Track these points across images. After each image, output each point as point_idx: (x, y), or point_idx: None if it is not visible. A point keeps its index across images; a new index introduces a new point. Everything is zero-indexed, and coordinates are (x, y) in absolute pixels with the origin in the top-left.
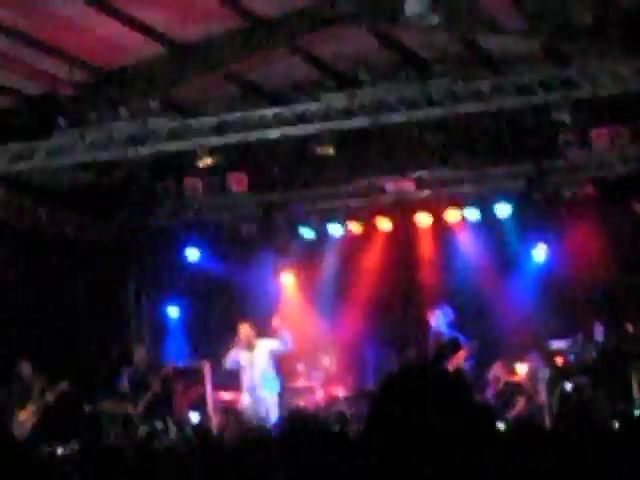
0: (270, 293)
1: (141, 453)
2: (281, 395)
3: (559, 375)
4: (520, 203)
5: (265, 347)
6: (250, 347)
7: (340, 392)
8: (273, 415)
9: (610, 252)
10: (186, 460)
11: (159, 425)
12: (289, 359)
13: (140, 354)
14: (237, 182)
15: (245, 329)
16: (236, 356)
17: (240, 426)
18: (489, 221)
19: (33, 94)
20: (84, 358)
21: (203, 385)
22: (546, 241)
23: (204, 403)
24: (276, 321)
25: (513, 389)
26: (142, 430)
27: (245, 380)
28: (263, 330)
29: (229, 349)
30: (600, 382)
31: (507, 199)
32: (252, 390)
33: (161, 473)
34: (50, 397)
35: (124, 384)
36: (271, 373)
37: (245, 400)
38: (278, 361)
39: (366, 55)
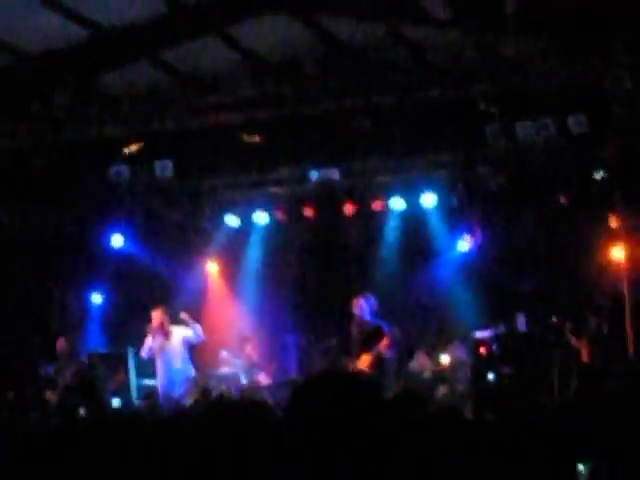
0: (194, 281)
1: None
2: (195, 381)
3: (482, 365)
4: (445, 193)
5: (179, 333)
6: (164, 333)
7: (263, 380)
8: (188, 400)
9: (536, 242)
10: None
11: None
12: (213, 346)
13: (60, 344)
14: (163, 169)
15: (157, 315)
16: (151, 343)
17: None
18: (414, 210)
19: None
20: (7, 348)
21: (126, 372)
22: (470, 232)
23: (127, 389)
24: (183, 315)
25: (436, 378)
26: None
27: (159, 365)
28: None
29: (146, 336)
30: (522, 372)
31: (432, 189)
32: (167, 375)
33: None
34: None
35: (45, 374)
36: (185, 359)
37: (161, 385)
38: (194, 348)
39: (296, 44)
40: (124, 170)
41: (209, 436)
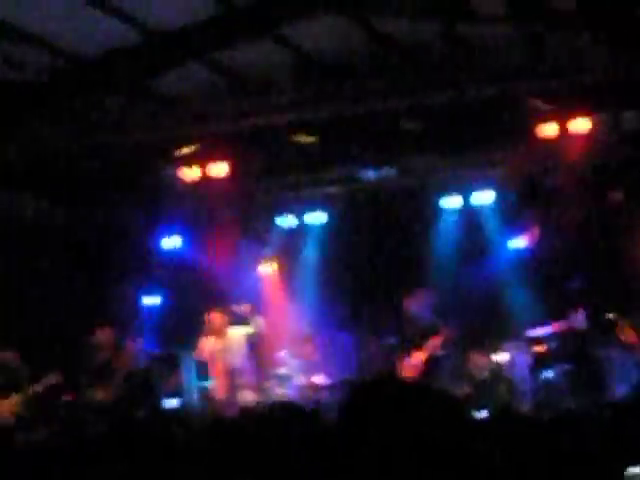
0: (251, 283)
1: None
2: (259, 382)
3: (539, 363)
4: (501, 191)
5: (238, 333)
6: (222, 335)
7: (321, 380)
8: (251, 402)
9: (590, 239)
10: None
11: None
12: (270, 347)
13: (105, 333)
14: (218, 171)
15: (216, 317)
16: (207, 345)
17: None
18: (470, 208)
19: (8, 80)
20: (62, 347)
21: (179, 373)
22: (526, 229)
23: (183, 391)
24: (246, 307)
25: (493, 378)
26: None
27: (219, 368)
28: (237, 319)
29: (200, 338)
30: (580, 370)
31: (489, 186)
32: (228, 377)
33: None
34: (38, 388)
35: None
36: (245, 361)
37: (221, 387)
38: (257, 348)
39: (348, 44)
40: (179, 172)
41: (262, 438)
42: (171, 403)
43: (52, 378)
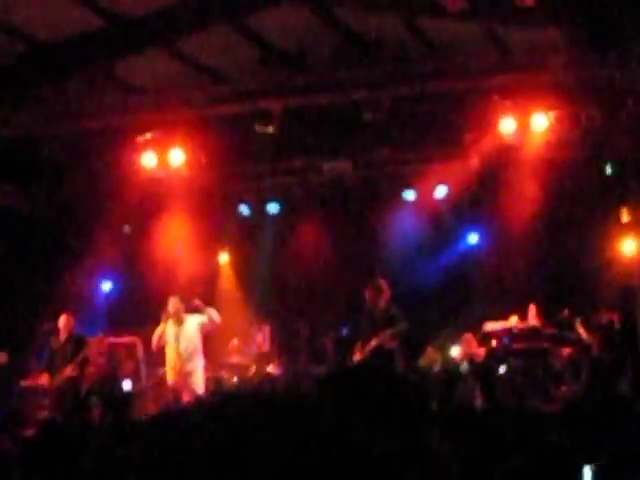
0: (206, 270)
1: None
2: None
3: (493, 357)
4: (457, 184)
5: (194, 321)
6: (179, 321)
7: (273, 370)
8: (199, 390)
9: (545, 235)
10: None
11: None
12: (224, 335)
13: (65, 321)
14: (176, 158)
15: (174, 302)
16: (164, 331)
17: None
18: (426, 201)
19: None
20: (15, 331)
21: (136, 360)
22: (481, 223)
23: (138, 378)
24: (197, 301)
25: (445, 372)
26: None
27: (170, 354)
28: (192, 308)
29: (158, 323)
30: (533, 366)
31: (445, 180)
32: (177, 364)
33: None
34: None
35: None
36: (197, 348)
37: (170, 375)
38: (209, 336)
39: (309, 35)
40: (139, 158)
41: (221, 429)
42: (127, 386)
43: (1, 357)
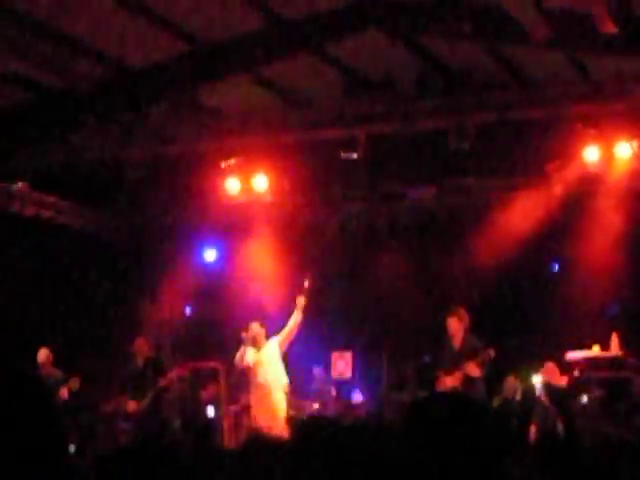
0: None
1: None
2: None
3: (575, 386)
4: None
5: (273, 345)
6: (258, 346)
7: (356, 397)
8: (281, 417)
9: (628, 263)
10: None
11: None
12: (305, 361)
13: (139, 343)
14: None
15: (254, 327)
16: (246, 355)
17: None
18: (508, 229)
19: (55, 89)
20: (95, 355)
21: (219, 385)
22: (563, 252)
23: (219, 403)
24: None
25: (526, 401)
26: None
27: (253, 381)
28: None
29: (239, 347)
30: (615, 396)
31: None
32: (260, 391)
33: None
34: (64, 393)
35: (127, 380)
36: (280, 371)
37: (252, 402)
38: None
39: (394, 63)
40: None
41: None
42: (210, 412)
43: (73, 382)
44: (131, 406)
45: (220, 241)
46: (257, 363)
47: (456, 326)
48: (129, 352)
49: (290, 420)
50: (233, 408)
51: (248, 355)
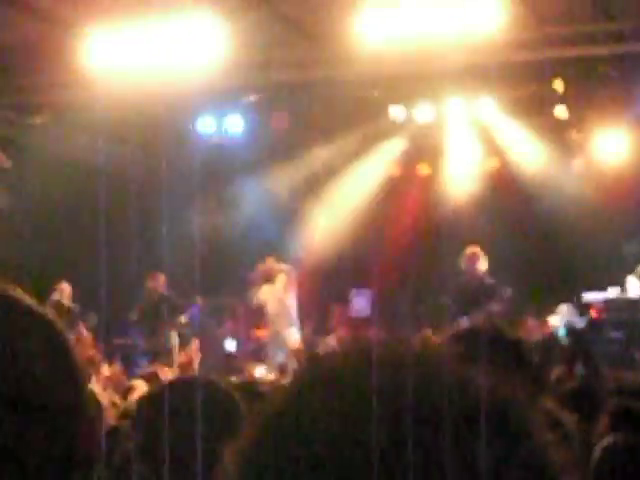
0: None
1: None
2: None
3: (592, 327)
4: None
5: (285, 283)
6: (271, 281)
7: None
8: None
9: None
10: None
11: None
12: (323, 299)
13: (158, 279)
14: (278, 121)
15: (268, 262)
16: (262, 293)
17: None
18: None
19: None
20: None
21: (237, 321)
22: None
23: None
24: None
25: (545, 341)
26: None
27: (270, 315)
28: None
29: (254, 284)
30: (633, 339)
31: None
32: (276, 325)
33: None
34: (81, 329)
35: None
36: (288, 309)
37: (270, 337)
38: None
39: None
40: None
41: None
42: (230, 346)
43: (91, 318)
44: (146, 343)
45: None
46: (271, 298)
47: (473, 266)
48: (145, 287)
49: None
50: (250, 345)
51: (262, 292)
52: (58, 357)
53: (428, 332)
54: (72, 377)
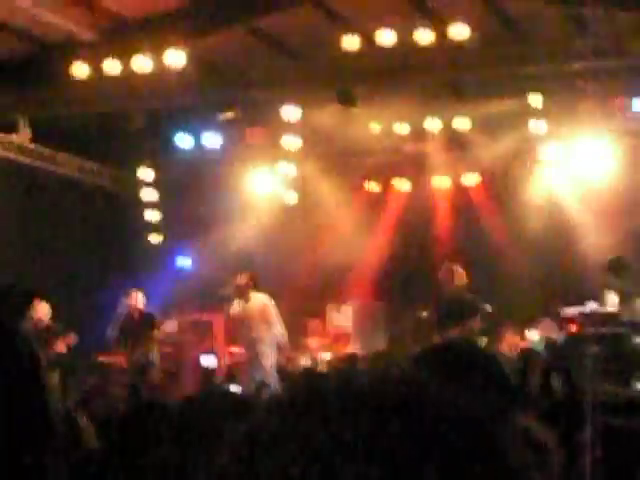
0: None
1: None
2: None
3: (573, 342)
4: None
5: (260, 301)
6: (244, 298)
7: (350, 350)
8: (271, 373)
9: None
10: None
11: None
12: (300, 316)
13: (133, 299)
14: (255, 135)
15: (241, 278)
16: (234, 309)
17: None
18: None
19: (53, 42)
20: (92, 308)
21: (213, 337)
22: None
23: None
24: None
25: (528, 355)
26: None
27: (243, 333)
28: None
29: (229, 299)
30: (612, 354)
31: None
32: (250, 344)
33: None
34: (61, 347)
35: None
36: (263, 328)
37: (245, 355)
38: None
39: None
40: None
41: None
42: (208, 361)
43: (70, 338)
44: (126, 359)
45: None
46: (242, 315)
47: (452, 281)
48: (125, 305)
49: (281, 373)
50: (226, 361)
51: (234, 306)
52: None
53: (407, 347)
54: None
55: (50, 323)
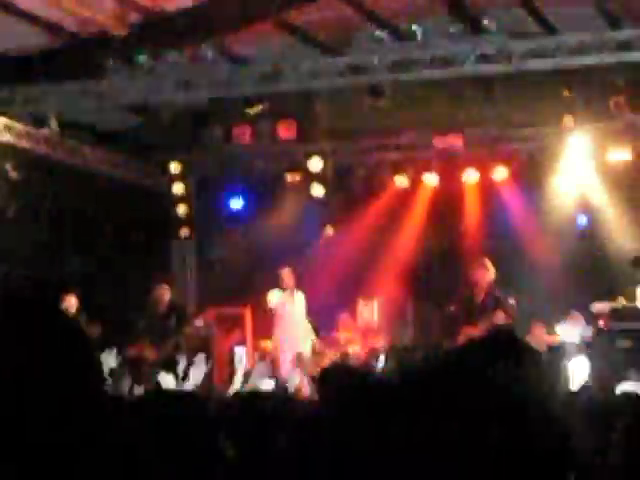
0: (312, 244)
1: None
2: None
3: (602, 337)
4: None
5: (300, 298)
6: (291, 293)
7: (380, 344)
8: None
9: None
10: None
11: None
12: (329, 309)
13: (163, 295)
14: (286, 130)
15: (287, 274)
16: (276, 297)
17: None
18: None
19: (86, 35)
20: (123, 302)
21: (244, 331)
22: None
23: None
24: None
25: (557, 350)
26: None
27: (280, 328)
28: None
29: (270, 291)
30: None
31: None
32: (286, 341)
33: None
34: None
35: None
36: (307, 323)
37: (279, 350)
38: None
39: (418, 9)
40: (246, 131)
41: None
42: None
43: (93, 329)
44: (152, 353)
45: (246, 189)
46: (281, 305)
47: (480, 276)
48: (151, 298)
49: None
50: (257, 353)
51: (274, 296)
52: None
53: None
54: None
55: (77, 315)
